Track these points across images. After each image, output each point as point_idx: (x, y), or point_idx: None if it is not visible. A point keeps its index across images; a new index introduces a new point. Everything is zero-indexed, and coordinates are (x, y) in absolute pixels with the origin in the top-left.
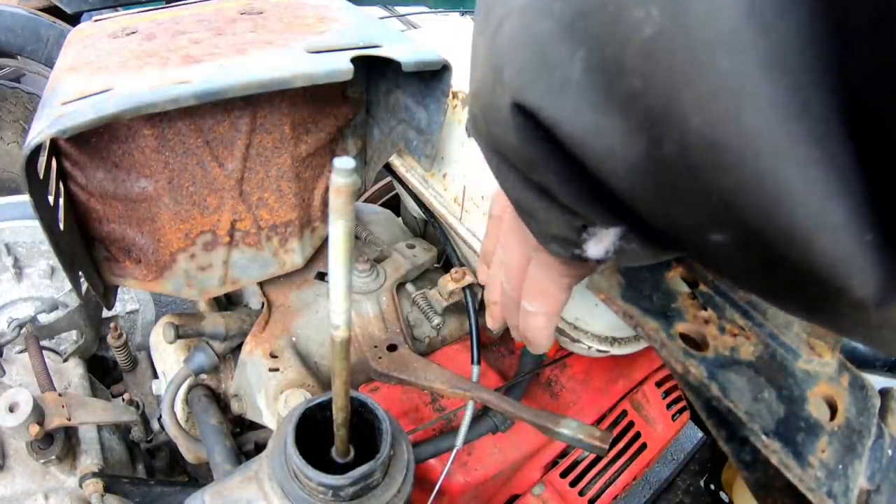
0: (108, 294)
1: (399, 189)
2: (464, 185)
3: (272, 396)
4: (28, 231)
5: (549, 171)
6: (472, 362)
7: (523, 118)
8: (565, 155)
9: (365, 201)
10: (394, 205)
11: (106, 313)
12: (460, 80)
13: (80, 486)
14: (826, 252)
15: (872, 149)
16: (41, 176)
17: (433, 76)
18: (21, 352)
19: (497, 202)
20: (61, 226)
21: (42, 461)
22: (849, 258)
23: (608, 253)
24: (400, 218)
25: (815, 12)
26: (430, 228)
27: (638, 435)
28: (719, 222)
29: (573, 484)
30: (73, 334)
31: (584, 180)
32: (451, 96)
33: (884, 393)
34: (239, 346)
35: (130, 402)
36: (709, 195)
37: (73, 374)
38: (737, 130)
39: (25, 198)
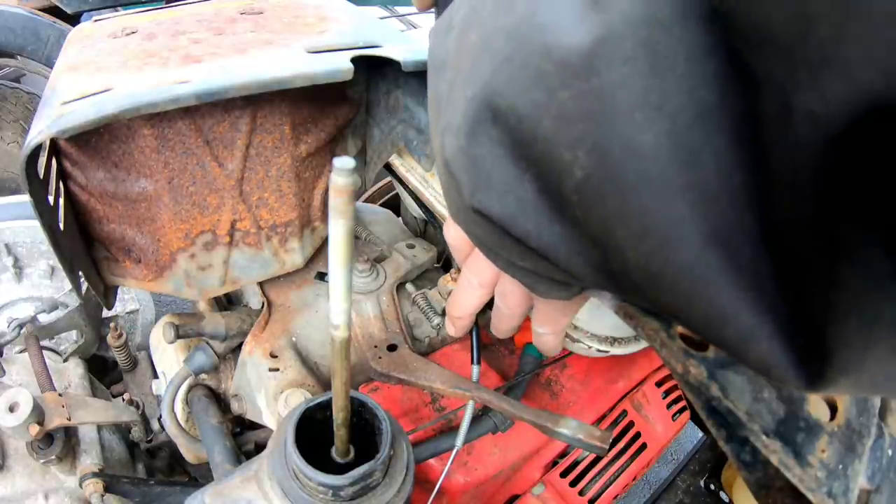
0: (108, 294)
1: (399, 189)
2: None
3: (272, 396)
4: (28, 231)
5: (533, 259)
6: (472, 362)
7: (495, 224)
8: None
9: (365, 201)
10: (394, 205)
11: (106, 313)
12: None
13: (80, 486)
14: (762, 358)
15: (794, 270)
16: (41, 176)
17: None
18: (21, 352)
19: (451, 234)
20: (61, 226)
21: (42, 461)
22: (781, 362)
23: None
24: (400, 218)
25: (736, 137)
26: (430, 228)
27: (638, 435)
28: (674, 319)
29: (573, 484)
30: (73, 334)
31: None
32: None
33: None
34: (239, 346)
35: (130, 402)
36: (657, 305)
37: (73, 374)
38: (668, 262)
39: (25, 198)
